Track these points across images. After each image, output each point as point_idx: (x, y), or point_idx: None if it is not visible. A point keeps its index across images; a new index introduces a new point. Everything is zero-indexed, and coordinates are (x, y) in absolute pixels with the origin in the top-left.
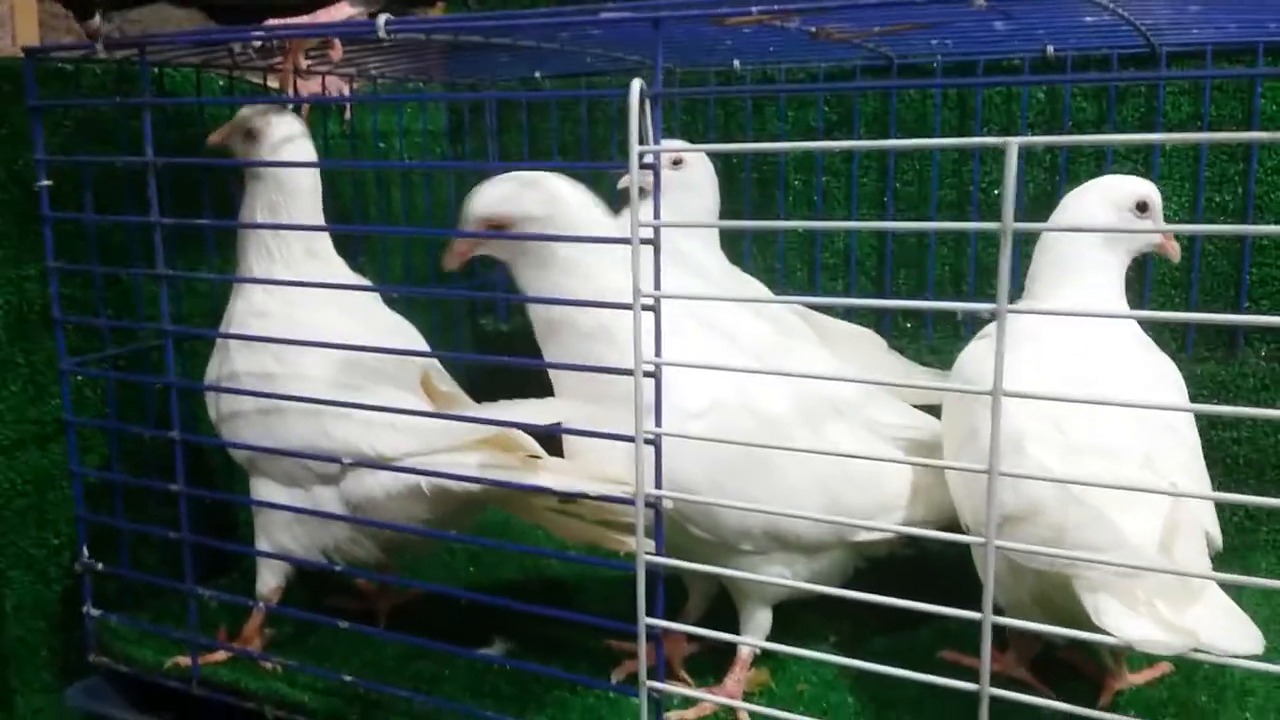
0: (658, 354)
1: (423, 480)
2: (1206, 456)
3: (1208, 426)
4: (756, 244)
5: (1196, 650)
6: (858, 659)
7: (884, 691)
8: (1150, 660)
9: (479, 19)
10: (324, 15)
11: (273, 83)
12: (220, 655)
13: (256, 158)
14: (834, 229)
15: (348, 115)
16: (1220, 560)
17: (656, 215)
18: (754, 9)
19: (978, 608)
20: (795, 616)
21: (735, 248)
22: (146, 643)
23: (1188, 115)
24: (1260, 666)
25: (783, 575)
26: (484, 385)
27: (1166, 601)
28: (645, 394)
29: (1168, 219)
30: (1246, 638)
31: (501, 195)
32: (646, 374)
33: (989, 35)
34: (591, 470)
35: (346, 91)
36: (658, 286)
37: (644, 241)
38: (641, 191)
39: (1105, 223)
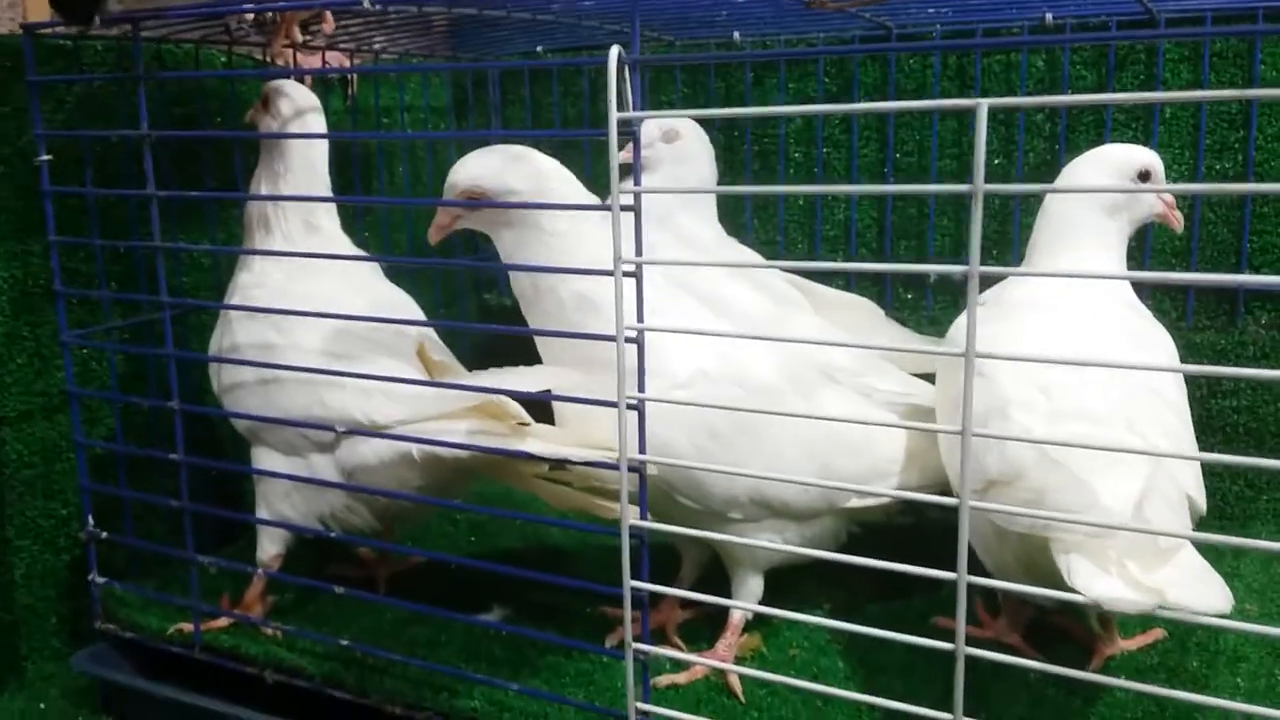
0: (640, 320)
1: (414, 448)
2: (1206, 425)
3: (1208, 395)
4: (758, 216)
5: (1163, 608)
6: (866, 630)
7: (874, 655)
8: (1143, 626)
9: None
10: None
11: (278, 61)
12: (222, 621)
13: (267, 130)
14: (794, 192)
15: (351, 91)
16: (1221, 529)
17: (637, 182)
18: None
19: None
20: (790, 583)
21: (737, 219)
22: (151, 610)
23: (1187, 81)
24: (1251, 628)
25: (772, 541)
26: (488, 357)
27: (1138, 561)
28: (628, 360)
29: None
30: (1215, 597)
31: (483, 168)
32: (629, 340)
33: (986, 3)
34: (579, 436)
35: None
36: (639, 253)
37: (624, 208)
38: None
39: (1111, 195)
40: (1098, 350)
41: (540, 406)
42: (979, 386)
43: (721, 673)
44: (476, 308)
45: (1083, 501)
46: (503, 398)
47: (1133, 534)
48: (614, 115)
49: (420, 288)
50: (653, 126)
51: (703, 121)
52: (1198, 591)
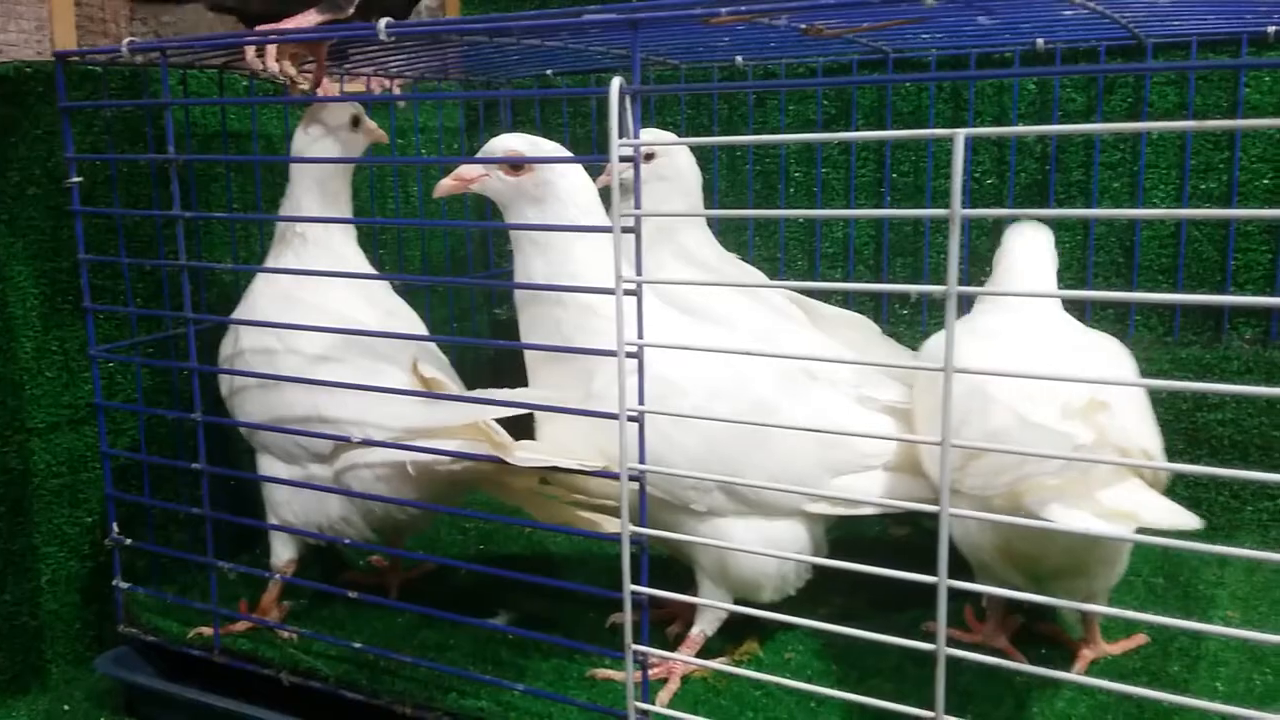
0: (640, 336)
1: (407, 460)
2: (1193, 438)
3: (1194, 409)
4: (759, 234)
5: (1140, 530)
6: (855, 630)
7: (867, 659)
8: (1127, 631)
9: (468, 21)
10: (289, 22)
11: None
12: (241, 625)
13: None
14: (769, 216)
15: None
16: (1207, 538)
17: (637, 205)
18: (723, 10)
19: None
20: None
21: (739, 238)
22: (172, 614)
23: (1174, 104)
24: (1234, 633)
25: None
26: (499, 371)
27: (1107, 490)
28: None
29: (1153, 205)
30: (1184, 516)
31: (525, 139)
32: (629, 355)
33: (977, 30)
34: (561, 451)
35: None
36: (639, 272)
37: (625, 230)
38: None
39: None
40: (1064, 353)
41: (524, 431)
42: (961, 376)
43: (719, 674)
44: (488, 323)
45: (1055, 448)
46: (487, 420)
47: (1100, 467)
48: (615, 143)
49: (433, 303)
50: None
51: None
52: (1170, 510)
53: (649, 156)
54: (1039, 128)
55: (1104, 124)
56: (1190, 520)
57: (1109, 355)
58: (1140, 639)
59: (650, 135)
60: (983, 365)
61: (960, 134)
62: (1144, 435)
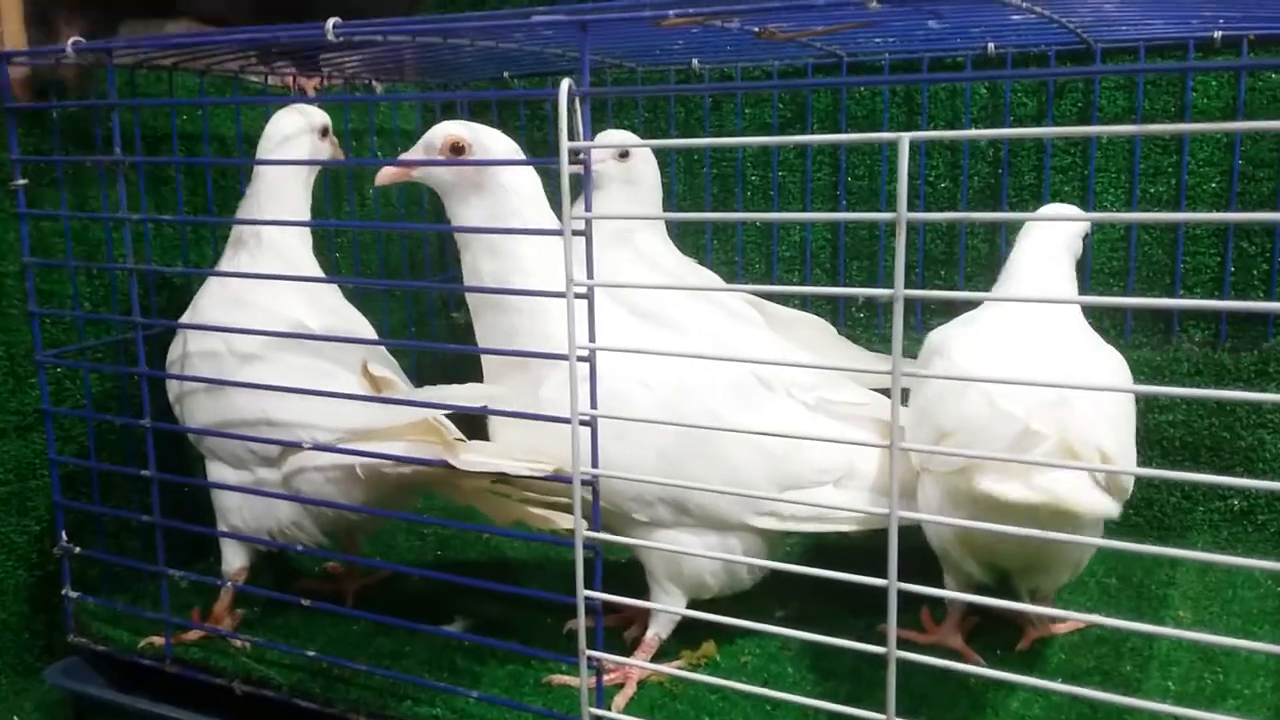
0: (591, 339)
1: (356, 463)
2: (1144, 439)
3: (1145, 410)
4: (717, 237)
5: (1054, 504)
6: (807, 633)
7: (823, 662)
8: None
9: (418, 22)
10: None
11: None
12: (193, 634)
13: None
14: (718, 220)
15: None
16: (1158, 539)
17: (588, 208)
18: (671, 13)
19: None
20: (743, 595)
21: (697, 241)
22: (122, 623)
23: (1123, 109)
24: (1185, 635)
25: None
26: (455, 374)
27: (1042, 473)
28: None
29: (1104, 209)
30: (1104, 504)
31: (467, 126)
32: (580, 358)
33: (929, 34)
34: (514, 448)
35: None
36: (590, 276)
37: (576, 233)
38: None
39: (1065, 239)
40: (1042, 356)
41: (479, 428)
42: (942, 368)
43: (676, 680)
44: (445, 327)
45: (1008, 430)
46: (438, 416)
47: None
48: (564, 145)
49: (391, 307)
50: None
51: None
52: (1089, 494)
53: (624, 155)
54: (985, 131)
55: (1049, 129)
56: (1106, 508)
57: (1094, 362)
58: (1085, 621)
59: (620, 136)
60: (965, 358)
61: (905, 137)
62: (1104, 437)
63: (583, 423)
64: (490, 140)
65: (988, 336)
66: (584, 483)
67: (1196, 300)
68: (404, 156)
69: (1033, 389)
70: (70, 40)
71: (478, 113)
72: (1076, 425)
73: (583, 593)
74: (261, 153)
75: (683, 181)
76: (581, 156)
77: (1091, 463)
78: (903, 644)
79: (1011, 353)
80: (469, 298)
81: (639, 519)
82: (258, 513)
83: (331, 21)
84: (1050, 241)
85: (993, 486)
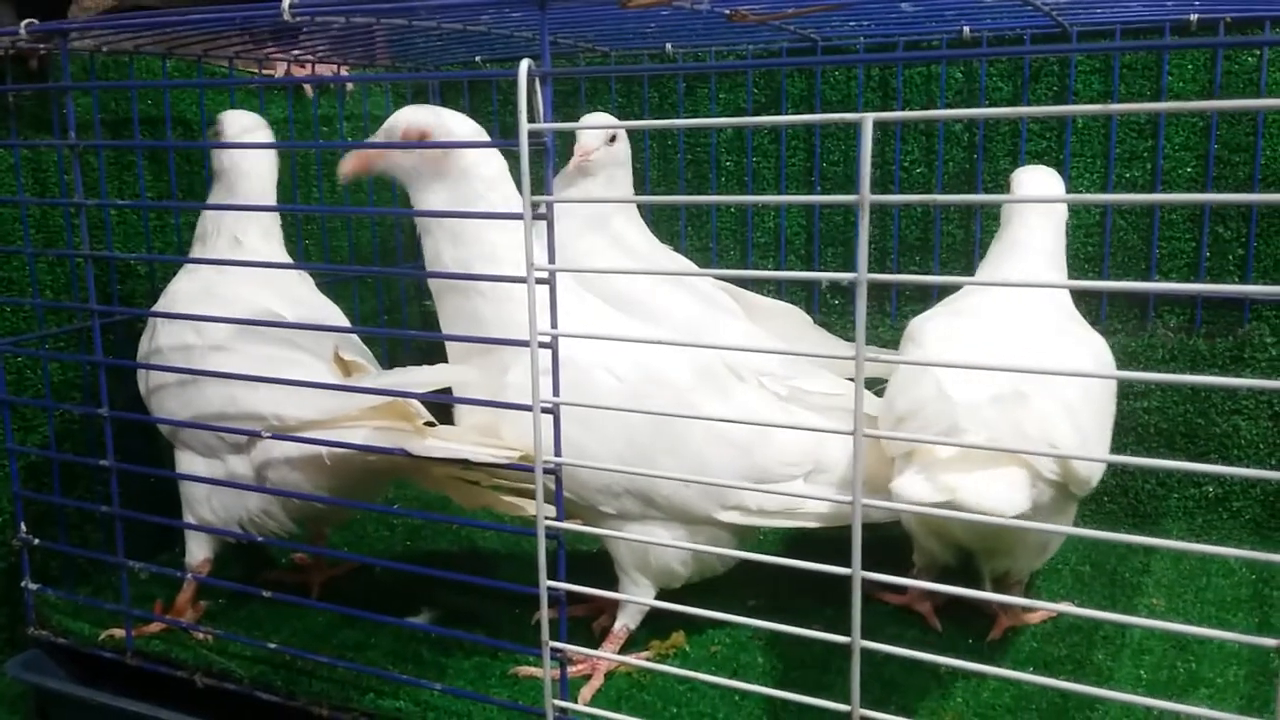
0: (553, 325)
1: (323, 450)
2: (1119, 426)
3: (1120, 397)
4: (691, 224)
5: (950, 505)
6: (773, 623)
7: (793, 651)
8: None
9: (380, 2)
10: None
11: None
12: (154, 627)
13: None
14: (689, 203)
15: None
16: (1133, 527)
17: (548, 191)
18: None
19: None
20: (714, 583)
21: (671, 227)
22: (83, 616)
23: (1099, 93)
24: (1155, 624)
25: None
26: (430, 362)
27: (954, 471)
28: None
29: (1080, 192)
30: (1002, 503)
31: (429, 110)
32: (542, 344)
33: (903, 17)
34: (481, 433)
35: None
36: (552, 260)
37: (537, 217)
38: (583, 170)
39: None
40: (1012, 344)
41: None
42: (914, 354)
43: (644, 670)
44: (418, 314)
45: (944, 421)
46: (406, 399)
47: (963, 452)
48: (524, 126)
49: (363, 295)
50: (598, 131)
51: (633, 131)
52: (988, 496)
53: (612, 140)
54: (949, 112)
55: (1016, 109)
56: (1002, 507)
57: (1069, 350)
58: (1055, 610)
59: (606, 118)
60: (935, 344)
61: (869, 118)
62: (1058, 430)
63: (545, 410)
64: (454, 124)
65: (963, 323)
66: (547, 471)
67: (1171, 284)
68: (361, 155)
69: (994, 378)
70: (25, 23)
71: (450, 98)
72: (1029, 419)
73: (545, 583)
74: (223, 152)
75: (657, 167)
76: (544, 138)
77: (1040, 458)
78: (870, 630)
79: (982, 341)
80: (431, 283)
81: (606, 511)
82: (226, 502)
83: (288, 1)
84: (1040, 225)
85: (896, 483)
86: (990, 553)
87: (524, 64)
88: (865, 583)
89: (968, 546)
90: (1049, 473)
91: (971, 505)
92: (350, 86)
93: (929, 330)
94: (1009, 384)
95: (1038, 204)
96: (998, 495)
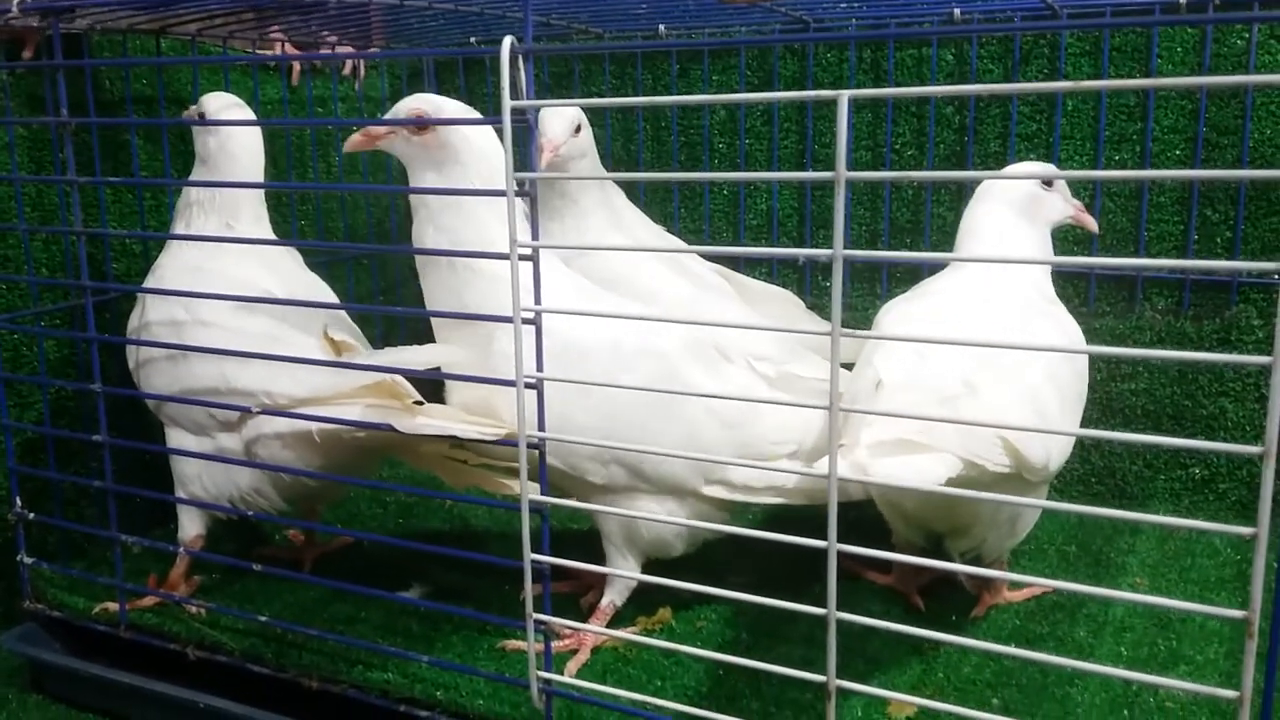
0: (537, 302)
1: (313, 426)
2: (1106, 407)
3: (1107, 379)
4: (684, 205)
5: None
6: (748, 597)
7: (779, 627)
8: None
9: None
10: None
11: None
12: (148, 600)
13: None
14: (672, 180)
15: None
16: (1120, 507)
17: (532, 169)
18: None
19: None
20: (703, 560)
21: (664, 209)
22: (78, 589)
23: (1088, 75)
24: (1132, 597)
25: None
26: (425, 341)
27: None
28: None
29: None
30: (911, 477)
31: (435, 97)
32: (526, 321)
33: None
34: (470, 411)
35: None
36: (535, 237)
37: (520, 194)
38: (553, 165)
39: (1018, 200)
40: (979, 326)
41: (439, 391)
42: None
43: (630, 645)
44: (414, 294)
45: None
46: (395, 377)
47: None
48: (507, 104)
49: (359, 275)
50: (564, 123)
51: (625, 111)
52: (895, 473)
53: (577, 130)
54: (927, 89)
55: (1001, 85)
56: (915, 479)
57: (1033, 335)
58: (1040, 588)
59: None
60: (908, 321)
61: (845, 95)
62: (1010, 418)
63: (529, 385)
64: (452, 111)
65: (924, 308)
66: (531, 446)
67: (1158, 260)
68: (371, 127)
69: (947, 369)
70: (16, 0)
71: (445, 80)
72: (974, 412)
73: (529, 557)
74: (208, 136)
75: (650, 150)
76: (526, 115)
77: (991, 447)
78: (854, 607)
79: (943, 325)
80: (417, 259)
81: (595, 481)
82: (217, 479)
83: None
84: (1001, 203)
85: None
86: (953, 532)
87: (506, 40)
88: (852, 561)
89: (928, 526)
90: (995, 466)
91: (881, 479)
92: (346, 69)
93: (889, 316)
94: (958, 376)
95: (999, 190)
96: (910, 469)
